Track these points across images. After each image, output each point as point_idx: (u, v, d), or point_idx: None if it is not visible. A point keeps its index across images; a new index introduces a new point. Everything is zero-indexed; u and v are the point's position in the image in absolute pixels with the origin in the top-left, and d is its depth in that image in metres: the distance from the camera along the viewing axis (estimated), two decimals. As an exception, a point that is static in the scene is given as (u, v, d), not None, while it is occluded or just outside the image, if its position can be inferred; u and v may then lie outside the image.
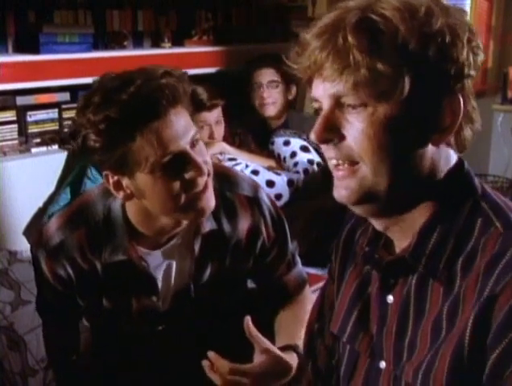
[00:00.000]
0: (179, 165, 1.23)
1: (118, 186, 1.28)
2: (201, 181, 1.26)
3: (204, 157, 1.28)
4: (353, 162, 0.84)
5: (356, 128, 0.81)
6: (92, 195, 1.42)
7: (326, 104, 0.84)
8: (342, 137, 0.83)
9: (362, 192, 0.84)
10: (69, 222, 1.39)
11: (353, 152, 0.83)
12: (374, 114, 0.80)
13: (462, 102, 0.83)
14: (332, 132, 0.83)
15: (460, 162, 0.89)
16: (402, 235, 0.90)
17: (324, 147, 0.86)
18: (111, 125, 1.17)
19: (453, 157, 0.89)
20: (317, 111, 0.87)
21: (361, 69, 0.78)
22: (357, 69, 0.78)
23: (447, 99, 0.82)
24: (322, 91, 0.84)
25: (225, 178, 1.45)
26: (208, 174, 1.28)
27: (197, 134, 1.27)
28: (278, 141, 2.84)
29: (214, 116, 2.67)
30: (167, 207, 1.27)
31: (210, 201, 1.29)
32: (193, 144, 1.25)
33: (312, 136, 0.85)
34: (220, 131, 2.74)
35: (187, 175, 1.24)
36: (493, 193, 0.90)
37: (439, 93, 0.82)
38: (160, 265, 1.42)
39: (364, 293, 0.98)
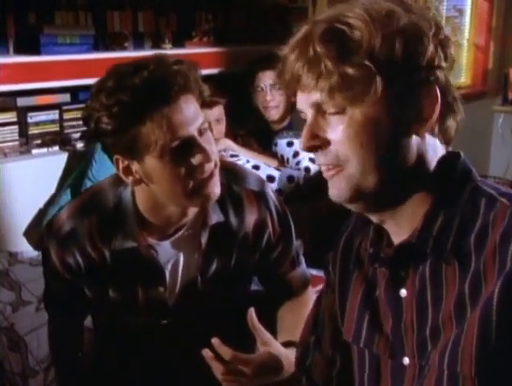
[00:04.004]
0: (187, 150, 1.26)
1: (128, 171, 1.30)
2: (208, 167, 1.29)
3: (212, 145, 1.31)
4: (340, 165, 0.88)
5: (338, 131, 0.86)
6: (102, 185, 1.45)
7: (309, 114, 0.89)
8: (327, 143, 0.88)
9: (352, 190, 0.88)
10: (80, 210, 1.42)
11: (338, 155, 0.87)
12: (353, 116, 0.85)
13: (439, 92, 0.86)
14: (318, 139, 0.88)
15: (452, 153, 0.92)
16: (400, 229, 0.92)
17: (314, 154, 0.91)
18: (123, 108, 1.21)
19: (440, 148, 0.91)
20: None
21: (333, 76, 0.83)
22: (330, 76, 0.83)
23: (423, 91, 0.86)
24: (303, 101, 0.89)
25: (231, 173, 1.48)
26: (215, 164, 1.31)
27: (205, 123, 1.30)
28: (282, 142, 2.84)
29: (214, 114, 2.68)
30: (174, 192, 1.29)
31: (216, 188, 1.32)
32: (201, 132, 1.28)
33: (301, 146, 0.91)
34: (220, 130, 2.74)
35: (195, 161, 1.26)
36: (490, 182, 0.93)
37: (414, 87, 0.85)
38: (168, 257, 1.43)
39: (372, 296, 0.99)
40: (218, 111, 2.70)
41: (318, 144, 0.88)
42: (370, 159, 0.85)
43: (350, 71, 0.82)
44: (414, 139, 0.87)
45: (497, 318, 0.82)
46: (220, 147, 2.69)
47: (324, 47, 0.83)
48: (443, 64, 0.86)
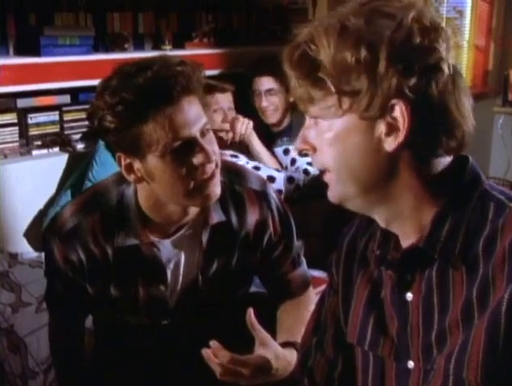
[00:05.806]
0: (188, 150, 1.27)
1: (130, 168, 1.31)
2: (209, 168, 1.30)
3: (213, 146, 1.32)
4: (328, 170, 0.91)
5: (320, 139, 0.90)
6: (106, 183, 1.46)
7: (306, 119, 0.93)
8: (314, 149, 0.92)
9: (339, 196, 0.92)
10: (83, 207, 1.43)
11: (323, 161, 0.91)
12: (331, 126, 0.88)
13: (407, 106, 0.83)
14: (308, 144, 0.92)
15: (461, 157, 0.91)
16: (408, 232, 0.92)
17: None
18: (126, 107, 1.22)
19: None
20: None
21: (300, 91, 0.88)
22: (299, 91, 0.88)
23: (389, 106, 0.84)
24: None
25: (234, 172, 1.49)
26: (216, 165, 1.33)
27: (208, 124, 1.32)
28: (278, 151, 2.85)
29: (227, 100, 2.67)
30: (175, 192, 1.30)
31: (216, 188, 1.33)
32: (203, 133, 1.30)
33: (294, 147, 0.94)
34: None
35: (196, 161, 1.28)
36: (498, 186, 0.93)
37: (379, 102, 0.84)
38: (170, 256, 1.44)
39: (377, 298, 0.99)
40: (229, 98, 2.70)
41: (306, 149, 0.92)
42: (345, 169, 0.88)
43: (311, 89, 0.86)
44: (389, 152, 0.85)
45: (506, 324, 0.81)
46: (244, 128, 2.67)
47: (292, 67, 0.88)
48: (409, 79, 0.82)
